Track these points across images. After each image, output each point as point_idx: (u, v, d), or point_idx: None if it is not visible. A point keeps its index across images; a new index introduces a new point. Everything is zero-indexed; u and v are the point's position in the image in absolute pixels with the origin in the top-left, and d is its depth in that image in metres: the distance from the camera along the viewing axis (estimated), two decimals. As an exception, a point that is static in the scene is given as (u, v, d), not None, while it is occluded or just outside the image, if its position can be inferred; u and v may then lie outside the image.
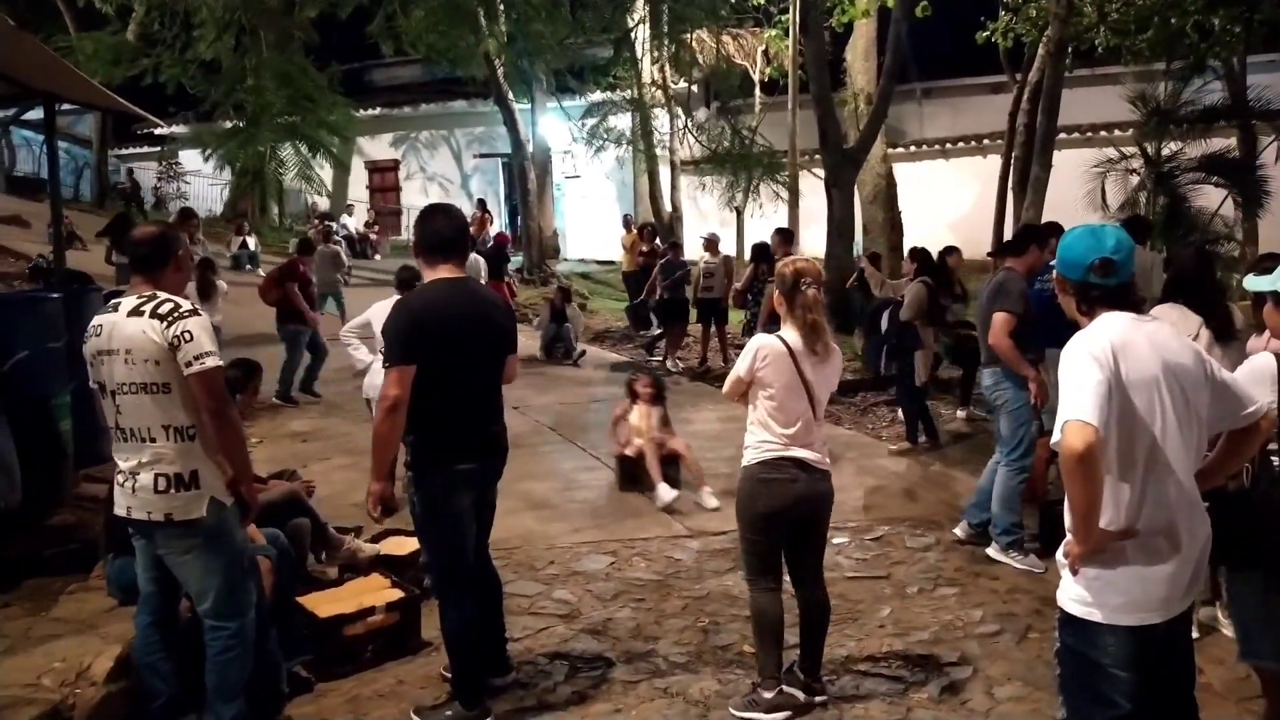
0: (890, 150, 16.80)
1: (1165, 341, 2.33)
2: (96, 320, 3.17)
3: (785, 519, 3.48)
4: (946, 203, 18.29)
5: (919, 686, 3.76)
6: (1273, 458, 2.55)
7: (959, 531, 5.41)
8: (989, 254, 8.23)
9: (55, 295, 5.22)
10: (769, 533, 3.52)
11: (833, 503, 3.62)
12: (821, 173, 12.92)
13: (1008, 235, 12.66)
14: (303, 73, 20.05)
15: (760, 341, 3.51)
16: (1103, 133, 16.40)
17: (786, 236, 10.23)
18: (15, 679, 3.03)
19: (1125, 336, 2.28)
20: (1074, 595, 2.33)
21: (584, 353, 11.82)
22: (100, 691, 3.12)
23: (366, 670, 3.94)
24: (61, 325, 4.90)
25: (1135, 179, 11.74)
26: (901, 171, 16.96)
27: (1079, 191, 11.83)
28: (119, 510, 3.19)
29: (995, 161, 15.29)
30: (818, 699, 3.58)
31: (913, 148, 19.81)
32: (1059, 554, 2.36)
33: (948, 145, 19.69)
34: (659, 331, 12.17)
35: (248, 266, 17.18)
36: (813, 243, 14.02)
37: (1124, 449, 2.22)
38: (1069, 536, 2.31)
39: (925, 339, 7.60)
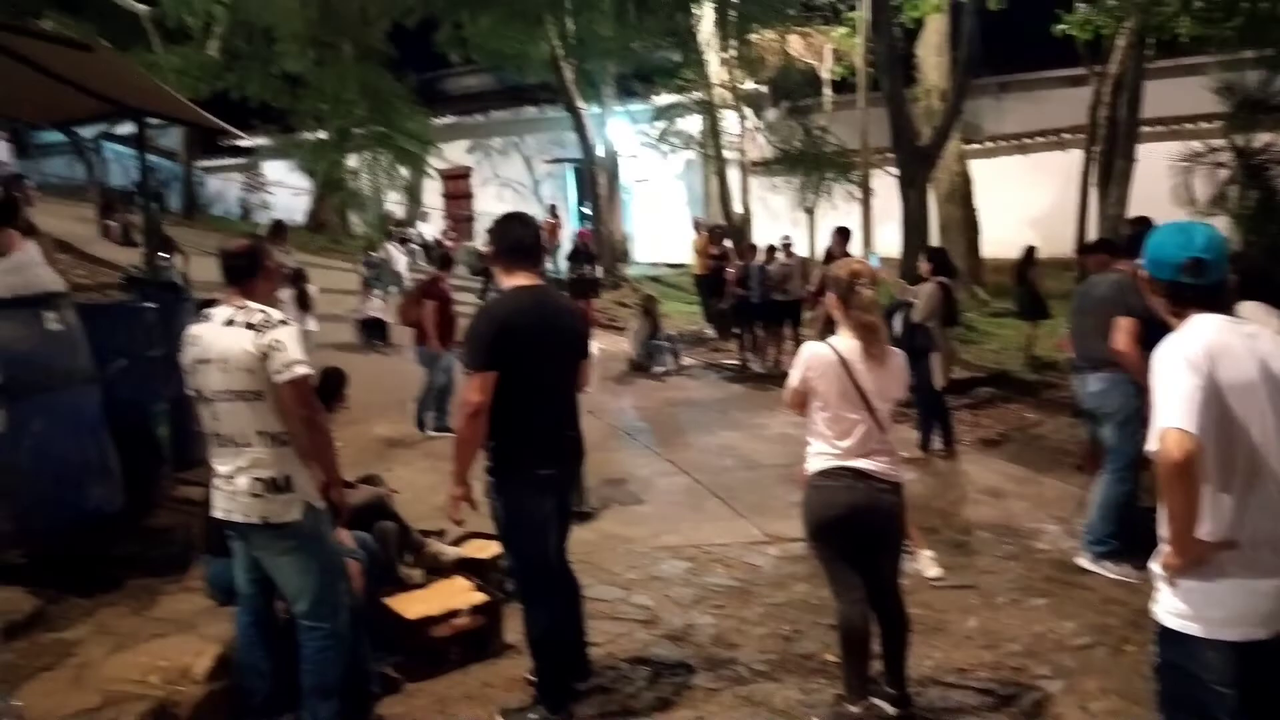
0: (965, 146, 16.47)
1: (1262, 345, 2.24)
2: (193, 330, 3.29)
3: (843, 529, 3.40)
4: (1025, 199, 17.82)
5: (1010, 701, 3.67)
6: None
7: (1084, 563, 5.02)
8: (1077, 251, 7.99)
9: (152, 305, 5.42)
10: (829, 543, 3.47)
11: (900, 515, 3.49)
12: (895, 171, 12.72)
13: (1090, 233, 12.35)
14: (385, 81, 20.42)
15: (810, 351, 3.45)
16: (1188, 125, 15.82)
17: (844, 235, 10.14)
18: (124, 675, 3.15)
19: (1220, 340, 2.20)
20: (1172, 608, 2.25)
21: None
22: (203, 689, 3.23)
23: (452, 672, 4.00)
24: (158, 334, 5.08)
25: (1224, 173, 11.29)
26: (978, 168, 16.61)
27: (1164, 186, 11.42)
28: (217, 513, 3.30)
29: (1075, 156, 14.85)
30: (905, 711, 3.52)
31: (989, 143, 19.35)
32: (1155, 565, 2.28)
33: (1025, 140, 19.19)
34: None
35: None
36: (887, 242, 13.81)
37: (1223, 457, 2.14)
38: (1164, 547, 2.23)
39: (940, 341, 7.38)
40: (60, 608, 3.86)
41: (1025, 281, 11.40)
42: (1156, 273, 2.35)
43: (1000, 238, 16.76)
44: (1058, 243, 13.68)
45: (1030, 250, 11.62)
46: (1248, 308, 3.75)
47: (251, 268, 3.33)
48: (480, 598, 4.27)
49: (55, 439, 4.12)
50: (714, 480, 6.82)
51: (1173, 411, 2.09)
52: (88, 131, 21.37)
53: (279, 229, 11.29)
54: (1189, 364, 2.14)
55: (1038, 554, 5.25)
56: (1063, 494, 6.20)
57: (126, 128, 15.69)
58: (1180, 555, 2.17)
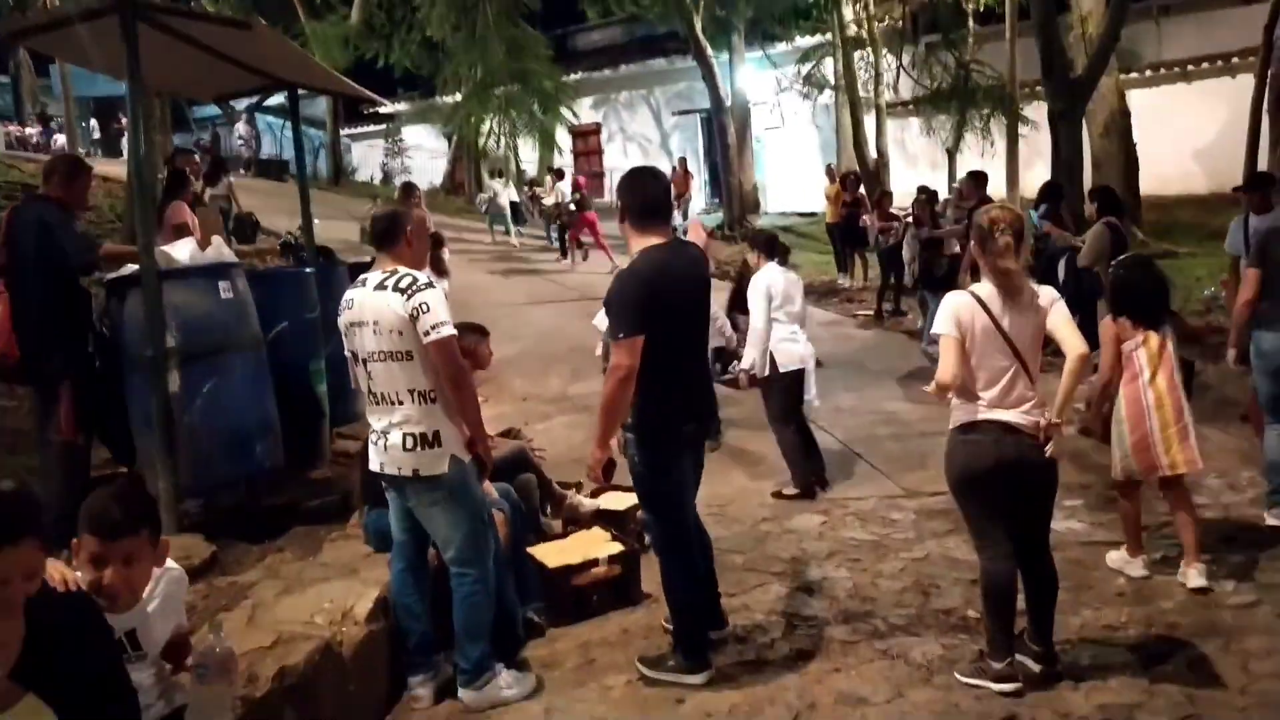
0: (1123, 76, 15.36)
1: None
2: (348, 295, 3.49)
3: (989, 483, 3.32)
4: (1190, 132, 16.53)
5: (1164, 659, 3.53)
6: None
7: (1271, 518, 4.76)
8: (1235, 189, 7.37)
9: (309, 270, 5.74)
10: (974, 498, 3.40)
11: (1053, 469, 3.38)
12: (1044, 106, 12.01)
13: (1263, 166, 11.37)
14: (527, 38, 20.62)
15: (952, 300, 3.37)
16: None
17: (980, 180, 9.61)
18: (293, 616, 3.41)
19: None
20: None
21: None
22: (363, 630, 3.45)
23: (593, 619, 4.15)
24: (315, 297, 5.39)
25: None
26: (1137, 99, 15.45)
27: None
28: (373, 466, 3.52)
29: (1247, 82, 13.63)
30: (1051, 669, 3.44)
31: (1149, 72, 17.99)
32: None
33: (1190, 67, 17.72)
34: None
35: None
36: (1036, 183, 13.12)
37: None
38: None
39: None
40: (233, 554, 4.19)
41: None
42: None
43: (1162, 174, 15.66)
44: (1226, 177, 12.66)
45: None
46: None
47: (394, 232, 3.49)
48: (617, 548, 4.40)
49: (224, 399, 4.46)
50: (850, 435, 6.73)
51: None
52: (240, 104, 22.56)
53: (408, 190, 11.69)
54: None
55: (1198, 509, 4.96)
56: (1225, 446, 5.84)
57: (277, 99, 16.48)
58: None
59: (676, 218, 18.20)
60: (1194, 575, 4.07)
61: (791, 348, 5.63)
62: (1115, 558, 4.38)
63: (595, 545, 4.46)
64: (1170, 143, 15.76)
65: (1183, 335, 8.57)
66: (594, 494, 5.17)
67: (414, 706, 3.56)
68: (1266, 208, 6.15)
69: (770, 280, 5.65)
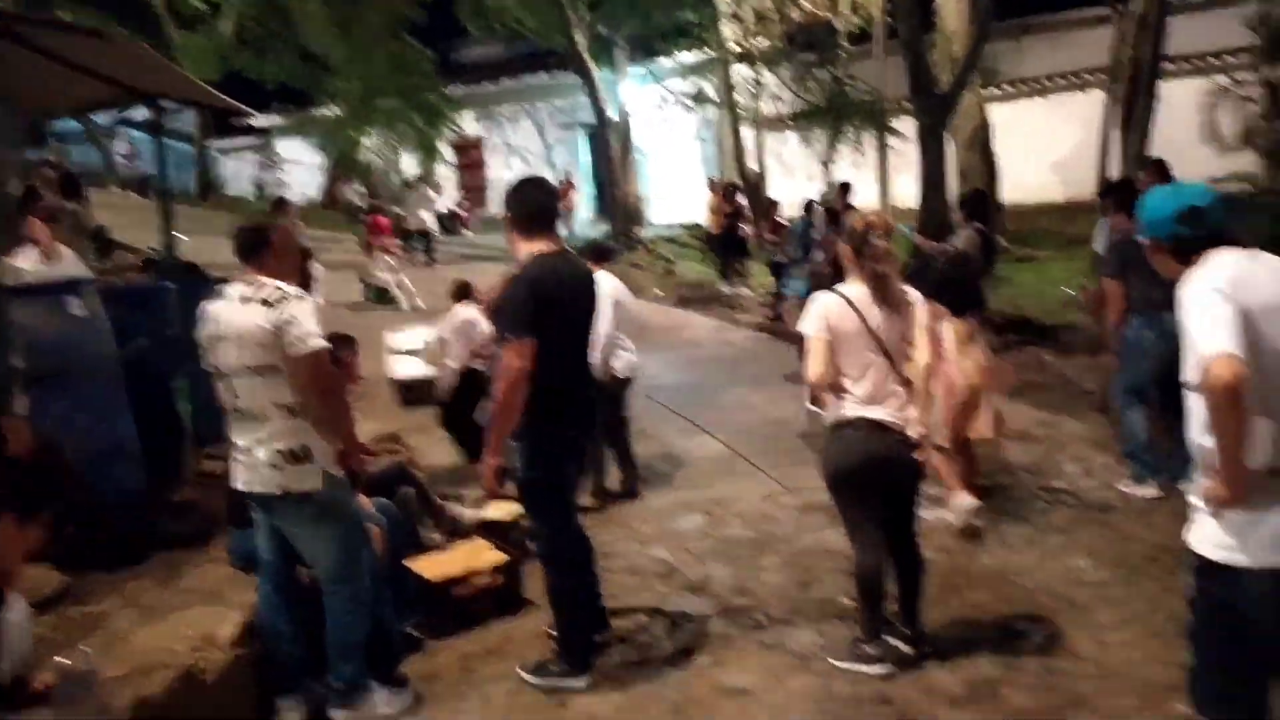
0: (984, 91, 16.14)
1: None
2: (210, 307, 3.35)
3: (861, 477, 3.44)
4: (1046, 144, 17.51)
5: (1024, 636, 3.70)
6: None
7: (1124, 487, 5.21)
8: (1100, 193, 7.86)
9: (170, 285, 5.50)
10: (847, 491, 3.51)
11: (917, 465, 3.48)
12: (913, 120, 12.53)
13: (1113, 175, 12.13)
14: (416, 54, 20.23)
15: (821, 300, 3.47)
16: (1213, 60, 15.42)
17: (845, 190, 10.05)
18: (152, 644, 3.24)
19: (1241, 269, 2.19)
20: (1215, 540, 2.22)
21: None
22: (228, 655, 3.31)
23: (475, 630, 4.08)
24: (177, 313, 5.16)
25: (1253, 108, 11.05)
26: (997, 113, 16.28)
27: (1188, 126, 11.24)
28: (238, 485, 3.38)
29: (1098, 97, 14.56)
30: (921, 650, 3.56)
31: (1008, 87, 19.00)
32: (1196, 498, 2.27)
33: (1045, 82, 18.81)
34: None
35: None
36: (905, 193, 13.67)
37: (1259, 382, 2.11)
38: (1205, 480, 2.22)
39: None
40: (87, 583, 3.95)
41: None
42: (1155, 232, 2.35)
43: (1022, 183, 16.50)
44: (1081, 187, 13.48)
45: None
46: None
47: (260, 244, 3.38)
48: (500, 557, 4.35)
49: (76, 421, 4.23)
50: (732, 436, 6.84)
51: (1214, 338, 2.08)
52: (103, 118, 21.49)
53: (280, 204, 11.36)
54: (1217, 292, 2.13)
55: (1056, 493, 5.24)
56: (1079, 435, 6.17)
57: (143, 112, 15.79)
58: (1230, 485, 2.13)
59: (562, 229, 18.21)
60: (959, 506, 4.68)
61: (627, 356, 5.65)
62: (955, 504, 4.73)
63: (477, 556, 4.39)
64: (1029, 154, 16.63)
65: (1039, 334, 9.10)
66: (476, 505, 5.10)
67: (285, 731, 3.42)
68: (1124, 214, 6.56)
69: (615, 286, 5.66)
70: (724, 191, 14.58)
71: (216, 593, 3.74)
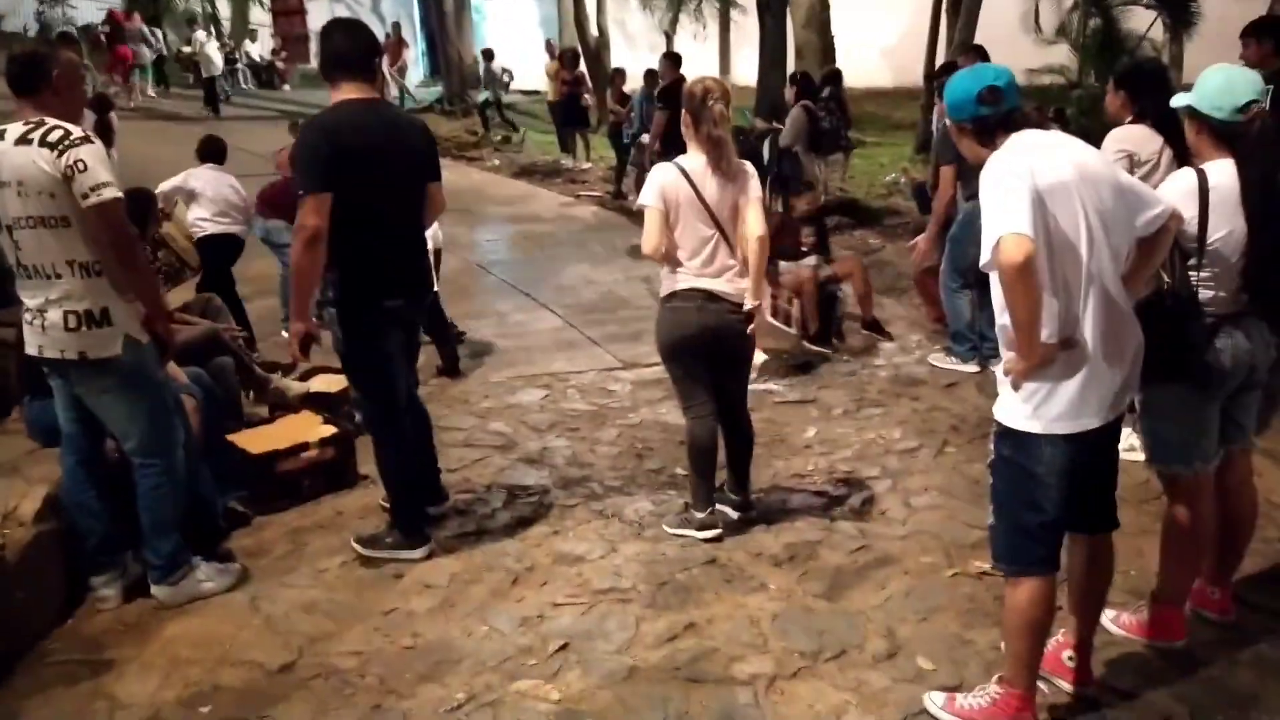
0: (823, -30, 16.14)
1: (1077, 151, 2.33)
2: (-18, 150, 2.95)
3: (692, 348, 3.49)
4: (881, 28, 17.83)
5: (842, 500, 3.95)
6: (1190, 271, 2.61)
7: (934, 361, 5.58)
8: (930, 77, 8.09)
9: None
10: (680, 362, 3.56)
11: (747, 333, 3.53)
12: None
13: (940, 61, 12.50)
14: None
15: (658, 172, 3.44)
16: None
17: (675, 61, 9.91)
18: (-60, 522, 2.98)
19: (1038, 149, 2.28)
20: (1014, 409, 2.37)
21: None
22: (30, 532, 3.08)
23: (304, 505, 3.97)
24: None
25: (1068, 2, 11.55)
26: (833, -5, 16.37)
27: (1013, 15, 11.63)
28: (30, 350, 3.09)
29: (929, -16, 14.83)
30: (747, 515, 3.75)
31: (846, -32, 19.07)
32: (998, 370, 2.41)
33: (881, -33, 19.00)
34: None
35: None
36: (745, 69, 13.64)
37: (1052, 261, 2.23)
38: (1007, 354, 2.36)
39: (808, 166, 7.39)
40: None
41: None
42: (958, 115, 2.41)
43: (855, 67, 16.79)
44: (908, 74, 13.86)
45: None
46: (1131, 129, 3.92)
47: (39, 76, 2.97)
48: (329, 430, 4.21)
49: None
50: (570, 312, 6.82)
51: (1006, 218, 2.15)
52: None
53: (65, 40, 10.08)
54: (1013, 173, 2.21)
55: (874, 369, 5.55)
56: (898, 314, 6.52)
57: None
58: (1026, 358, 2.25)
59: (392, 88, 17.19)
60: None
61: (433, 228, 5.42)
62: None
63: (305, 429, 4.23)
64: (861, 40, 16.88)
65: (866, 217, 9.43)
66: (304, 377, 4.90)
67: (100, 608, 3.26)
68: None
69: None
70: (561, 57, 14.08)
71: (14, 467, 3.44)
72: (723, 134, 3.38)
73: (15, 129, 2.91)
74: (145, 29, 17.84)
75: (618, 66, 14.00)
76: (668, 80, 9.22)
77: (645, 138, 9.66)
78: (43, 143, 2.85)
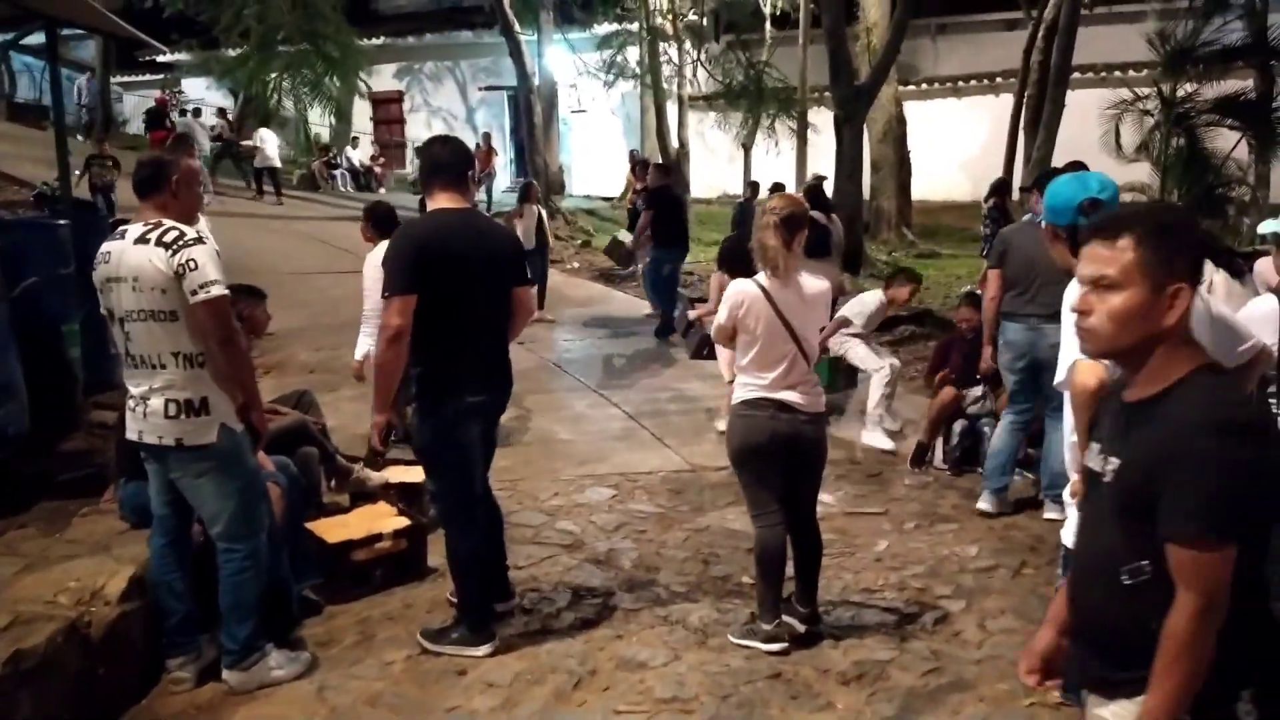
0: (902, 87, 16.53)
1: None
2: (105, 247, 3.20)
3: (765, 456, 3.50)
4: (958, 142, 18.06)
5: (914, 618, 3.85)
6: (1270, 400, 2.56)
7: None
8: (1022, 188, 8.35)
9: (64, 222, 5.21)
10: (750, 468, 3.57)
11: (822, 445, 3.59)
12: (831, 110, 12.73)
13: (1018, 176, 12.58)
14: None
15: (736, 288, 3.52)
16: (1118, 73, 16.10)
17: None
18: (33, 595, 3.10)
19: None
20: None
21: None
22: (115, 610, 3.20)
23: (375, 595, 4.04)
24: (70, 252, 4.91)
25: (1150, 120, 11.56)
26: (913, 109, 16.71)
27: (1094, 133, 11.67)
28: (131, 435, 3.25)
29: (1008, 100, 15.03)
30: (815, 628, 3.68)
31: (924, 85, 19.49)
32: (1066, 494, 2.38)
33: (960, 83, 19.37)
34: None
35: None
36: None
37: None
38: (1075, 476, 2.33)
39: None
40: (-34, 530, 3.77)
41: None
42: (1057, 220, 2.43)
43: (931, 180, 16.99)
44: (986, 186, 13.92)
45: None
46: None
47: (159, 180, 3.23)
48: (403, 522, 4.29)
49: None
50: (643, 413, 6.89)
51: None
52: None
53: (181, 141, 10.78)
54: None
55: (947, 484, 5.45)
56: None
57: (39, 38, 14.83)
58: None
59: (480, 193, 17.91)
60: None
61: None
62: None
63: (379, 519, 4.33)
64: (939, 152, 17.10)
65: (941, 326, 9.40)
66: (383, 468, 5.02)
67: (174, 690, 3.33)
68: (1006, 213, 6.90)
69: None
70: (634, 168, 14.57)
71: (105, 545, 3.59)
72: (779, 254, 3.45)
73: (135, 229, 3.15)
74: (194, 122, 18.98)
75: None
76: (654, 185, 10.34)
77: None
78: (159, 242, 3.08)
